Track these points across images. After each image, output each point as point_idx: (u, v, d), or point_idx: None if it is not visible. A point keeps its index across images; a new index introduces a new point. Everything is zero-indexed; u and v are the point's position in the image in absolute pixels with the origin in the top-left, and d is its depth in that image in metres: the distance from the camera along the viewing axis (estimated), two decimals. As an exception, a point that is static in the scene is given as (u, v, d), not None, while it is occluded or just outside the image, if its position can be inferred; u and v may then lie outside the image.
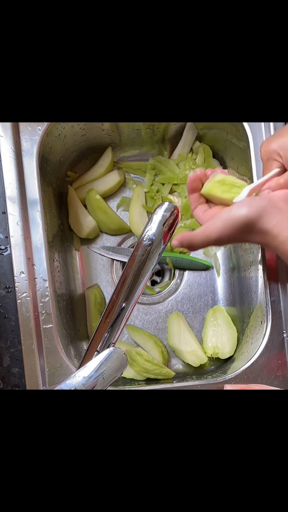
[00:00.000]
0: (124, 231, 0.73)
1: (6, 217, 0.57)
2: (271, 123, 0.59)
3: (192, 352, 0.68)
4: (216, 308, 0.70)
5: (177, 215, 0.45)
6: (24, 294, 0.56)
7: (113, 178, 0.72)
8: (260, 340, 0.58)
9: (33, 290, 0.56)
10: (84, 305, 0.72)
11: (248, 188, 0.48)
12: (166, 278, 0.75)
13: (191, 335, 0.69)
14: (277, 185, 0.48)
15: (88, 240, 0.73)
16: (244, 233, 0.46)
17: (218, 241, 0.48)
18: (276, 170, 0.49)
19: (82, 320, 0.72)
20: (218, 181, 0.49)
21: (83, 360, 0.42)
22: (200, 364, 0.67)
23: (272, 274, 0.59)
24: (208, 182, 0.50)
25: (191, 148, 0.71)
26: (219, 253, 0.73)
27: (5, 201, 0.57)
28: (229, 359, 0.67)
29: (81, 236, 0.71)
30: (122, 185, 0.74)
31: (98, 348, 0.42)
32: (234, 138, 0.64)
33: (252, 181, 0.59)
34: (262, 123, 0.59)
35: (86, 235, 0.71)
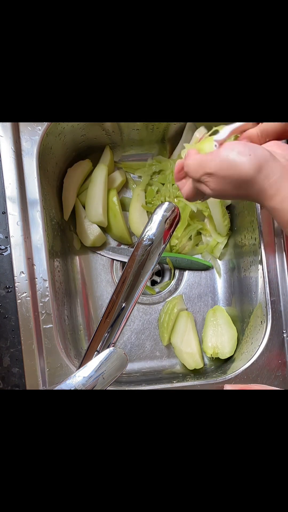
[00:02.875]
0: (124, 241, 0.73)
1: (6, 217, 0.57)
2: (271, 123, 0.59)
3: (190, 355, 0.68)
4: (216, 308, 0.70)
5: (177, 215, 0.44)
6: (24, 294, 0.56)
7: (116, 178, 0.72)
8: (260, 340, 0.58)
9: (33, 290, 0.56)
10: (84, 304, 0.72)
11: (229, 127, 0.45)
12: (166, 278, 0.75)
13: (195, 338, 0.69)
14: (252, 135, 0.45)
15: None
16: (242, 184, 0.42)
17: (210, 177, 0.43)
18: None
19: (82, 320, 0.72)
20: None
21: (83, 360, 0.42)
22: (195, 368, 0.67)
23: (272, 274, 0.59)
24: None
25: (191, 148, 0.71)
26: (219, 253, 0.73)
27: (5, 201, 0.57)
28: (229, 359, 0.67)
29: (86, 245, 0.71)
30: (124, 186, 0.74)
31: (98, 348, 0.42)
32: (234, 138, 0.64)
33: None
34: (262, 123, 0.59)
35: (91, 243, 0.71)
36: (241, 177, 0.41)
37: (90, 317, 0.72)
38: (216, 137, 0.44)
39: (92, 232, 0.70)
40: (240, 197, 0.45)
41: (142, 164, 0.74)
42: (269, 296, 0.59)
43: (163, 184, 0.72)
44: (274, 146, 0.44)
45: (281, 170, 0.41)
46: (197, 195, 0.48)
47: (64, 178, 0.71)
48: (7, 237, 0.57)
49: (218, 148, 0.43)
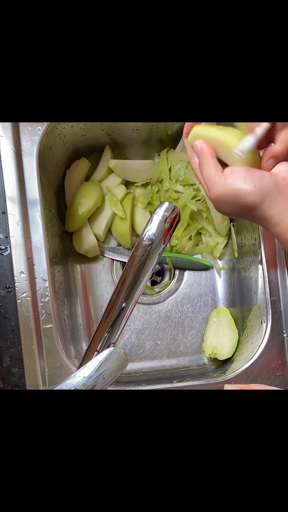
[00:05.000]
0: (124, 241, 0.72)
1: (6, 217, 0.57)
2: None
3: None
4: (220, 309, 0.71)
5: (177, 215, 0.44)
6: (24, 294, 0.56)
7: (117, 178, 0.72)
8: (260, 340, 0.58)
9: (33, 290, 0.56)
10: (84, 304, 0.72)
11: (251, 138, 0.43)
12: (166, 278, 0.75)
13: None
14: (281, 153, 0.44)
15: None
16: (245, 210, 0.43)
17: (217, 200, 0.44)
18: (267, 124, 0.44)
19: (82, 320, 0.72)
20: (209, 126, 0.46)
21: (83, 360, 0.42)
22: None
23: (272, 274, 0.59)
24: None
25: (191, 148, 0.71)
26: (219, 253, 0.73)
27: (5, 201, 0.57)
28: (229, 359, 0.67)
29: (79, 251, 0.71)
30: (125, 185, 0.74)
31: (98, 348, 0.42)
32: (234, 138, 0.64)
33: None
34: (262, 123, 0.59)
35: (84, 252, 0.71)
36: (245, 205, 0.42)
37: (90, 317, 0.72)
38: (240, 146, 0.43)
39: (88, 242, 0.70)
40: (242, 218, 0.45)
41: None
42: (269, 296, 0.59)
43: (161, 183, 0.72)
44: (285, 171, 0.43)
45: (284, 201, 0.41)
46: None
47: (64, 180, 0.71)
48: (7, 237, 0.57)
49: (226, 174, 0.43)
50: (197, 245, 0.73)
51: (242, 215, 0.44)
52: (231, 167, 0.44)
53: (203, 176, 0.45)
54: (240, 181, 0.42)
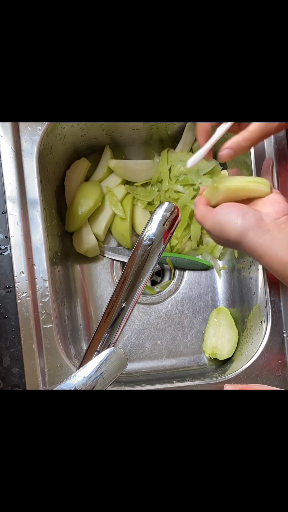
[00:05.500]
0: (124, 241, 0.72)
1: (6, 217, 0.57)
2: (271, 123, 0.59)
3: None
4: (220, 309, 0.71)
5: (177, 215, 0.44)
6: (24, 294, 0.56)
7: (117, 178, 0.72)
8: (260, 340, 0.58)
9: (33, 290, 0.56)
10: (84, 304, 0.72)
11: (199, 154, 0.50)
12: (166, 278, 0.75)
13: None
14: (237, 146, 0.47)
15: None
16: (231, 243, 0.47)
17: (209, 233, 0.49)
18: (228, 124, 0.49)
19: (82, 320, 0.72)
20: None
21: (83, 360, 0.42)
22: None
23: (272, 274, 0.59)
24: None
25: (191, 148, 0.71)
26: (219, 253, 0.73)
27: (5, 201, 0.57)
28: (229, 359, 0.67)
29: (79, 251, 0.71)
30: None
31: (98, 348, 0.42)
32: (234, 138, 0.64)
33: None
34: (262, 123, 0.59)
35: (84, 252, 0.71)
36: (229, 239, 0.46)
37: (90, 317, 0.72)
38: (190, 159, 0.50)
39: (88, 242, 0.70)
40: (239, 250, 0.51)
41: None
42: (269, 296, 0.59)
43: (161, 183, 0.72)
44: (268, 204, 0.47)
45: (265, 235, 0.44)
46: None
47: (64, 180, 0.71)
48: (7, 237, 0.57)
49: (216, 209, 0.47)
50: (197, 245, 0.73)
51: (232, 246, 0.49)
52: (222, 203, 0.48)
53: (199, 217, 0.50)
54: (225, 217, 0.46)
